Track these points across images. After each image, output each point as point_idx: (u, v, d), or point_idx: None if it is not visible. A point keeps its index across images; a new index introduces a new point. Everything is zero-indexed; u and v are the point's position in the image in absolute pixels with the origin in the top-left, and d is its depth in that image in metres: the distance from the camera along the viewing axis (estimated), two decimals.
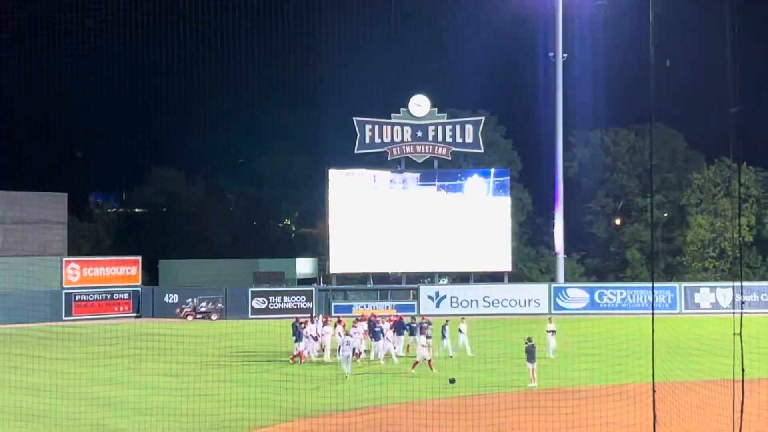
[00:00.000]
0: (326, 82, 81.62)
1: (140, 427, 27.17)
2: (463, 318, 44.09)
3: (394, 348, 40.93)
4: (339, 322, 42.88)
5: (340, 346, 38.60)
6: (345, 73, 79.78)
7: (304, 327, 41.53)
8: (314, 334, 41.60)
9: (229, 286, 64.86)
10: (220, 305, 63.15)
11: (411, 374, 36.71)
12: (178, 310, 62.94)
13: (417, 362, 37.55)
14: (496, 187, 66.53)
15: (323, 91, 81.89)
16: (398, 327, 41.99)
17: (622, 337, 38.44)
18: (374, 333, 40.61)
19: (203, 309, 62.92)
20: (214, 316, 62.39)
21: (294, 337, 41.45)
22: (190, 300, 63.42)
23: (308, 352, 40.83)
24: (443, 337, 41.60)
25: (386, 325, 41.86)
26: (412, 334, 42.11)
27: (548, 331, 41.48)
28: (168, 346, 41.13)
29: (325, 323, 43.04)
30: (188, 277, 69.40)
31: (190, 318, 62.13)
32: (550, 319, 43.69)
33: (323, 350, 41.58)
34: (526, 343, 34.92)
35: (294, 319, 43.87)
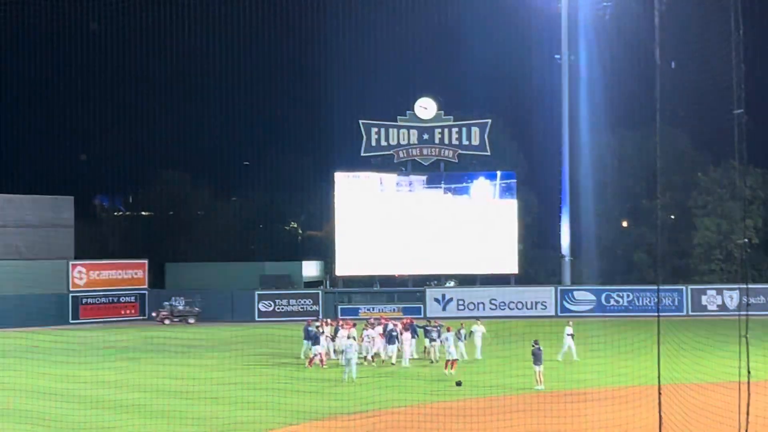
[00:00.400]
0: (333, 84, 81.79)
1: (147, 430, 27.22)
2: (478, 320, 43.71)
3: (408, 351, 40.83)
4: (353, 326, 42.81)
5: (344, 350, 38.64)
6: (351, 76, 79.92)
7: (322, 329, 41.43)
8: (332, 335, 41.53)
9: (235, 289, 64.91)
10: (197, 309, 63.02)
11: (451, 375, 36.60)
12: (154, 314, 62.69)
13: (455, 360, 37.59)
14: (502, 190, 66.54)
15: (330, 93, 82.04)
16: (410, 330, 41.99)
17: (628, 339, 38.45)
18: (390, 337, 40.59)
19: (180, 312, 62.71)
20: (191, 320, 62.21)
21: (308, 341, 41.39)
22: (166, 303, 63.27)
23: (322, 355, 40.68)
24: (459, 339, 41.34)
25: (398, 328, 41.98)
26: (426, 336, 42.08)
27: (567, 334, 41.13)
28: (174, 349, 41.25)
29: (338, 328, 42.64)
30: (195, 280, 69.43)
31: (167, 322, 61.94)
32: (569, 322, 42.99)
33: (333, 353, 41.51)
34: (533, 346, 34.90)
35: (306, 323, 43.93)
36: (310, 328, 42.04)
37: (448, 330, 39.41)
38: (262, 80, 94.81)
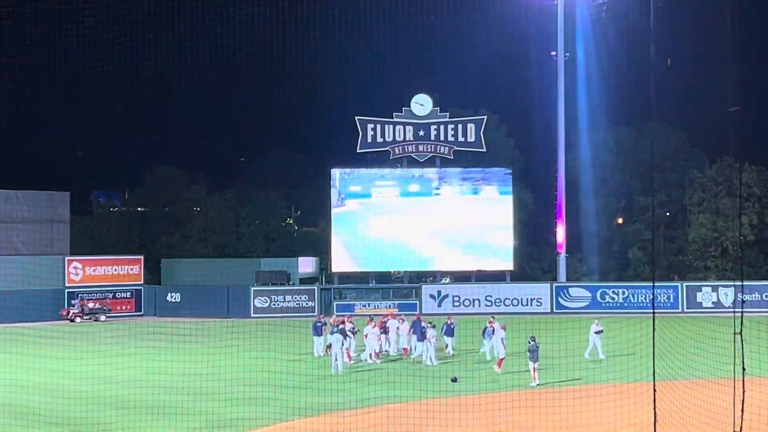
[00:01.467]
0: (329, 81, 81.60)
1: (141, 426, 27.17)
2: (494, 317, 43.12)
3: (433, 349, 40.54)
4: (370, 322, 42.65)
5: (331, 343, 38.63)
6: (347, 73, 79.76)
7: (343, 325, 41.36)
8: (352, 330, 41.38)
9: (231, 285, 64.85)
10: (108, 307, 62.51)
11: (498, 373, 36.47)
12: (64, 312, 61.18)
13: (501, 359, 37.34)
14: (498, 186, 66.53)
15: (326, 90, 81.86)
16: (415, 327, 41.90)
17: (623, 336, 38.48)
18: (420, 333, 40.34)
19: (91, 310, 61.68)
20: (102, 317, 61.57)
21: (318, 337, 41.38)
22: (75, 301, 62.09)
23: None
24: (485, 337, 40.82)
25: (405, 325, 41.99)
26: (446, 334, 41.90)
27: (595, 332, 40.76)
28: (169, 344, 41.20)
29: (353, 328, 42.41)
30: (190, 276, 69.43)
31: (78, 320, 60.71)
32: (596, 321, 41.90)
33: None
34: (529, 342, 34.87)
35: (315, 319, 43.95)
36: (318, 324, 41.95)
37: (503, 328, 38.58)
38: (258, 77, 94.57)
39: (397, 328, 42.52)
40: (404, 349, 42.05)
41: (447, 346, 41.95)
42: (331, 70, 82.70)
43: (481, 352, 40.95)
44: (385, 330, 42.13)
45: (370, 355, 40.47)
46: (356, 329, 41.48)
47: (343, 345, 39.13)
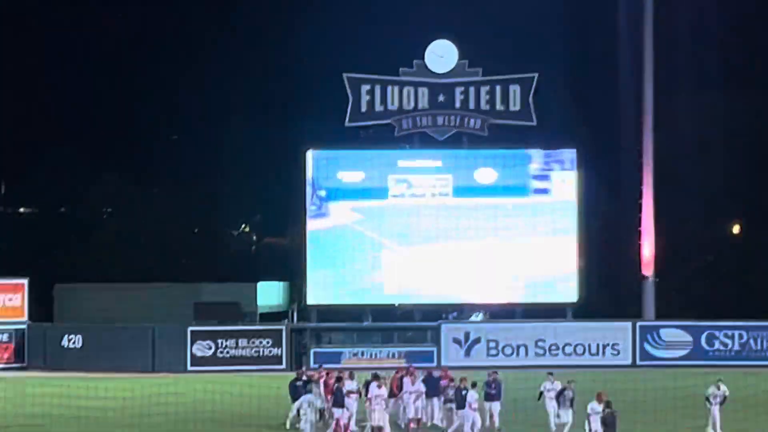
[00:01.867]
0: (304, 20, 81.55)
1: None
2: (551, 374, 43.22)
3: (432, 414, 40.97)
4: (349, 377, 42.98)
5: (299, 409, 39.00)
6: (332, 9, 79.72)
7: (342, 385, 41.58)
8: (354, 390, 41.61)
9: (157, 323, 65.01)
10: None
11: None
12: None
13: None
14: (555, 178, 66.62)
15: (299, 33, 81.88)
16: (430, 385, 42.10)
17: (742, 400, 38.69)
18: (461, 397, 40.50)
19: None
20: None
21: (298, 402, 41.52)
22: None
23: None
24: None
25: (416, 384, 42.23)
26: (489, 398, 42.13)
27: (713, 398, 40.74)
28: (71, 412, 41.34)
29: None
30: (97, 310, 69.33)
31: None
32: (719, 379, 41.56)
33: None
34: (603, 410, 34.61)
35: (296, 374, 44.11)
36: (297, 384, 42.06)
37: (571, 388, 38.84)
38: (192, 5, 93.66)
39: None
40: (413, 420, 42.17)
41: (491, 415, 42.02)
42: (309, 5, 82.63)
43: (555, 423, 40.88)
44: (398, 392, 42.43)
45: (372, 429, 40.73)
46: (359, 390, 41.68)
47: (330, 410, 39.43)
